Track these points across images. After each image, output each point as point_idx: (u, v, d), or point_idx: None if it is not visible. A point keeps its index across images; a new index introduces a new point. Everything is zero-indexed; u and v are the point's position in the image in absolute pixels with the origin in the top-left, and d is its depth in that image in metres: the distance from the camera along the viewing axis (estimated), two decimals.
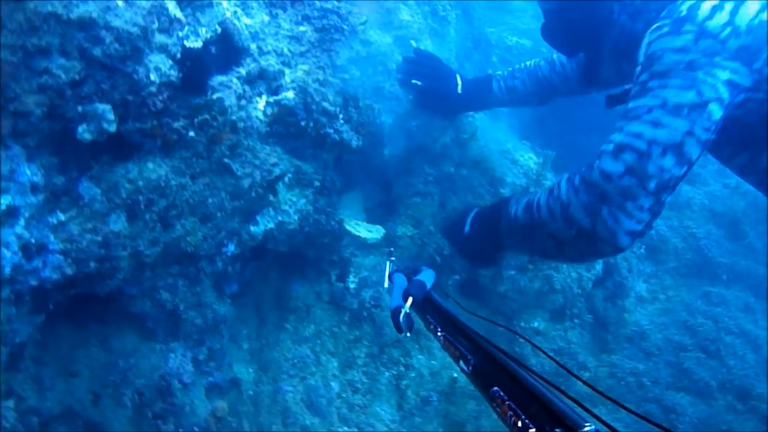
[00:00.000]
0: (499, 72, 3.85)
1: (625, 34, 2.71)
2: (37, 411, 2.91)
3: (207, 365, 3.34)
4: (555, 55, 3.66)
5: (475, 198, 4.04)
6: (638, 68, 2.41)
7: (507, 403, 1.27)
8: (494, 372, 1.42)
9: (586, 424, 1.06)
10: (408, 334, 2.04)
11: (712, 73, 2.20)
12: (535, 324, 4.15)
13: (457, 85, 3.72)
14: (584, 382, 1.28)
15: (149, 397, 3.06)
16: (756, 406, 4.01)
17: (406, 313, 2.01)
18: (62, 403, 3.02)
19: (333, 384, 3.54)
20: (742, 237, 4.91)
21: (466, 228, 3.23)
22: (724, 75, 2.22)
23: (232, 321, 3.59)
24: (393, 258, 2.63)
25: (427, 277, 2.20)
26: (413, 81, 3.66)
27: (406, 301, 2.04)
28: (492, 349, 1.53)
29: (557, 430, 1.09)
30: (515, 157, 4.31)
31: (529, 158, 4.38)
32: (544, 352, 1.51)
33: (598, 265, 4.31)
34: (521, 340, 3.88)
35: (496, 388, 1.34)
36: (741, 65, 2.24)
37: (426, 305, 2.05)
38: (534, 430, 1.15)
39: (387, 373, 3.74)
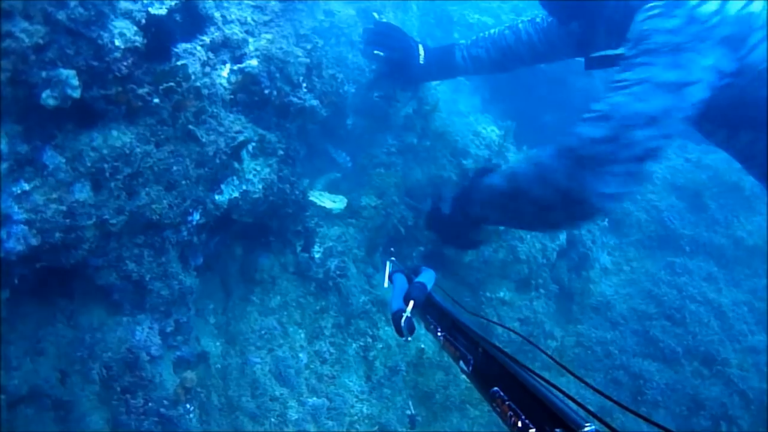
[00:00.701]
0: (463, 41, 4.00)
1: (620, 9, 2.91)
2: (4, 389, 3.00)
3: (174, 339, 3.46)
4: (520, 24, 3.83)
5: (438, 169, 4.21)
6: (628, 44, 2.61)
7: (507, 403, 1.31)
8: (494, 372, 1.45)
9: (586, 425, 1.07)
10: (409, 339, 2.09)
11: (698, 57, 2.42)
12: (501, 294, 4.35)
13: (419, 55, 3.87)
14: (577, 377, 1.35)
15: (117, 371, 3.15)
16: (721, 371, 4.27)
17: (407, 317, 2.03)
18: (29, 382, 3.10)
19: (301, 355, 3.68)
20: (703, 209, 5.18)
21: (446, 209, 3.31)
22: (709, 60, 2.44)
23: (199, 295, 3.70)
24: (393, 258, 2.68)
25: (427, 278, 2.24)
26: (375, 51, 3.81)
27: (407, 304, 2.07)
28: (492, 349, 1.54)
29: (557, 430, 1.11)
30: (477, 129, 4.49)
31: (491, 130, 4.56)
32: (543, 352, 1.58)
33: (562, 236, 4.53)
34: (488, 311, 4.10)
35: (496, 388, 1.38)
36: (727, 52, 2.47)
37: (426, 305, 2.11)
38: (534, 430, 1.18)
39: (354, 345, 3.90)
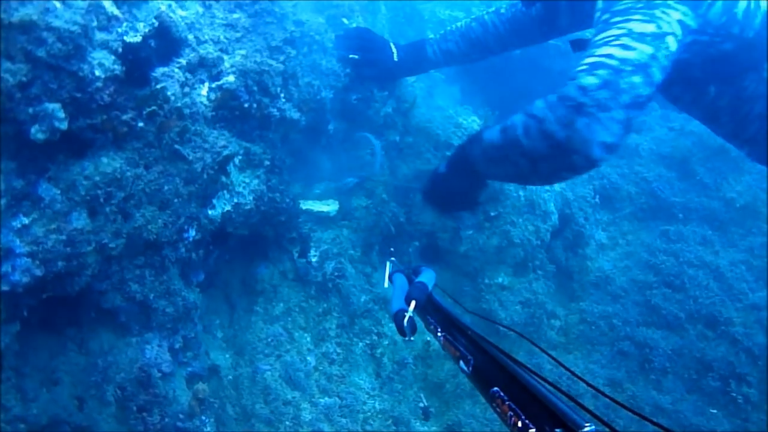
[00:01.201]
0: (432, 36, 4.21)
1: None
2: (24, 419, 3.18)
3: (184, 355, 3.63)
4: (486, 16, 4.04)
5: (423, 164, 4.40)
6: (598, 13, 2.83)
7: (507, 403, 1.33)
8: (494, 372, 1.47)
9: (587, 425, 1.09)
10: (412, 338, 2.12)
11: (667, 12, 2.65)
12: (500, 279, 4.51)
13: (392, 53, 4.10)
14: (570, 371, 1.37)
15: (131, 390, 3.33)
16: (725, 331, 4.41)
17: (410, 317, 2.06)
18: (48, 412, 3.28)
19: (309, 358, 3.86)
20: (692, 175, 5.34)
21: (442, 168, 3.44)
22: (677, 15, 2.68)
23: (204, 312, 3.89)
24: (393, 258, 2.71)
25: (428, 278, 2.27)
26: (350, 56, 4.02)
27: (409, 304, 2.09)
28: (492, 350, 1.57)
29: (557, 430, 1.13)
30: (458, 121, 4.66)
31: (472, 121, 4.74)
32: (537, 346, 1.61)
33: (554, 216, 4.69)
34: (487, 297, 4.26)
35: (496, 388, 1.40)
36: (689, 9, 2.72)
37: (426, 305, 2.12)
38: (534, 430, 1.20)
39: (361, 344, 4.07)
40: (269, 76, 3.62)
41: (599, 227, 5.26)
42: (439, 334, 1.92)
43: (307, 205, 4.10)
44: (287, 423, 3.61)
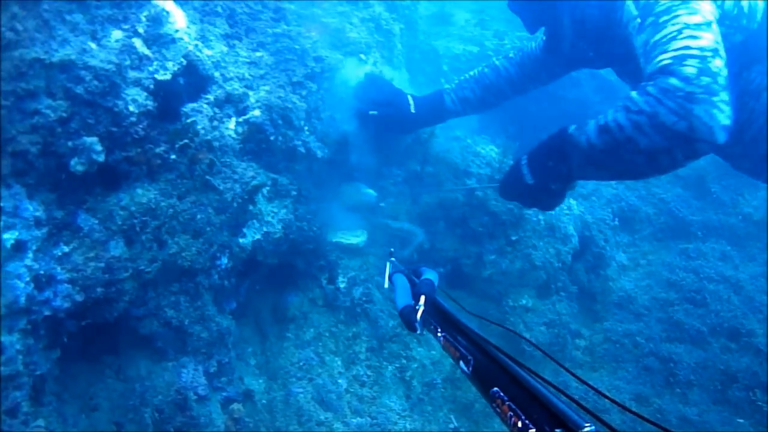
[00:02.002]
0: (447, 85, 4.29)
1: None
2: None
3: (219, 380, 3.67)
4: (497, 62, 4.15)
5: (445, 192, 4.46)
6: (637, 20, 2.86)
7: (507, 403, 1.32)
8: (494, 372, 1.47)
9: (586, 425, 1.09)
10: (423, 333, 2.08)
11: (699, 5, 2.70)
12: (523, 302, 4.53)
13: (409, 105, 4.15)
14: (577, 377, 1.35)
15: (168, 413, 3.37)
16: (748, 342, 4.38)
17: (423, 312, 2.05)
18: None
19: (340, 381, 3.88)
20: (708, 193, 5.36)
21: (528, 179, 3.21)
22: (707, 6, 2.74)
23: (237, 341, 3.94)
24: (393, 258, 2.68)
25: (433, 276, 2.28)
26: (370, 113, 4.08)
27: (418, 300, 2.09)
28: (492, 350, 1.56)
29: (557, 430, 1.13)
30: (477, 150, 4.74)
31: (490, 149, 4.81)
32: (540, 350, 1.60)
33: (574, 239, 4.72)
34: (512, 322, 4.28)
35: (496, 388, 1.39)
36: (711, 2, 2.80)
37: (427, 305, 2.10)
38: (534, 430, 1.19)
39: (390, 367, 4.09)
40: (293, 110, 3.73)
41: (620, 249, 5.27)
42: (439, 334, 1.91)
43: (336, 237, 4.17)
44: None
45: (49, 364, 3.07)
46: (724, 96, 2.48)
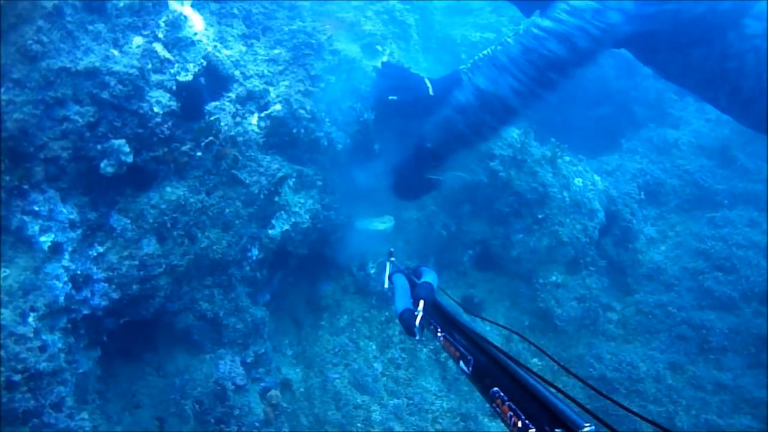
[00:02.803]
0: (463, 66, 4.27)
1: None
2: None
3: (257, 371, 3.72)
4: (509, 39, 4.11)
5: (468, 173, 4.45)
6: None
7: (507, 403, 1.30)
8: (494, 372, 1.45)
9: (586, 425, 1.07)
10: (423, 338, 2.08)
11: None
12: (553, 278, 4.50)
13: (427, 88, 4.08)
14: (576, 375, 1.32)
15: (208, 404, 3.43)
16: None
17: (422, 317, 2.01)
18: None
19: (375, 365, 3.90)
20: (733, 162, 5.25)
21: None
22: None
23: (273, 333, 3.99)
24: (393, 258, 2.66)
25: (432, 278, 2.24)
26: (389, 98, 4.03)
27: (417, 304, 2.04)
28: (492, 350, 1.54)
29: (557, 430, 1.12)
30: (498, 133, 4.71)
31: (511, 131, 4.77)
32: (543, 351, 1.57)
33: (600, 214, 4.67)
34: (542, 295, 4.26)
35: (496, 388, 1.38)
36: None
37: (426, 308, 2.07)
38: (534, 430, 1.18)
39: (425, 350, 4.10)
40: (313, 103, 3.76)
41: (648, 222, 5.20)
42: (439, 334, 1.89)
43: (363, 224, 4.19)
44: (359, 425, 3.64)
45: (90, 362, 3.14)
46: None
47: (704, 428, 3.86)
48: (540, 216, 4.49)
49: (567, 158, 4.81)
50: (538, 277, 4.53)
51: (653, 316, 4.50)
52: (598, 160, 5.65)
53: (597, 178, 4.95)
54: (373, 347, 3.98)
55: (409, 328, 2.01)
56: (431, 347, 4.12)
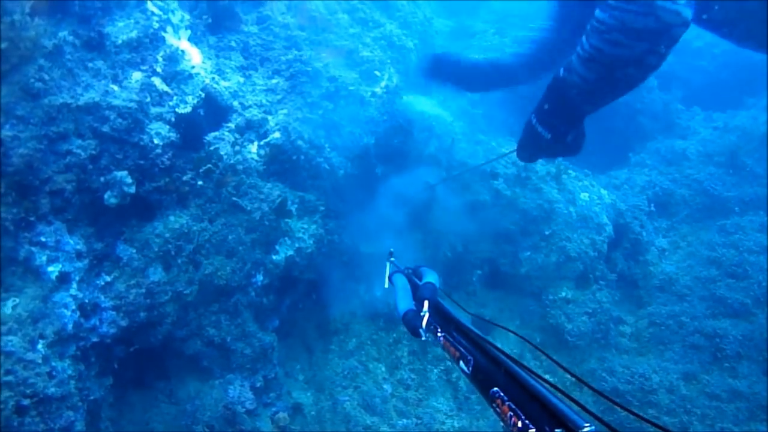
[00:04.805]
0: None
1: None
2: None
3: (267, 396, 3.83)
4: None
5: (472, 195, 4.57)
6: None
7: (507, 403, 1.33)
8: (494, 373, 1.47)
9: (586, 425, 1.09)
10: (430, 338, 2.01)
11: None
12: (563, 294, 4.57)
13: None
14: (578, 377, 1.28)
15: (219, 428, 3.53)
16: None
17: (428, 317, 2.03)
18: None
19: (385, 386, 3.99)
20: (742, 168, 5.32)
21: (546, 134, 3.14)
22: None
23: (285, 359, 4.11)
24: (393, 259, 2.66)
25: (434, 278, 2.24)
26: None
27: (422, 305, 2.06)
28: (492, 350, 1.55)
29: (557, 430, 1.13)
30: (502, 152, 4.83)
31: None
32: (546, 355, 1.50)
33: (609, 227, 4.76)
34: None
35: (496, 388, 1.41)
36: None
37: (429, 308, 2.08)
38: (534, 430, 1.20)
39: (436, 370, 4.19)
40: (312, 129, 3.93)
41: (659, 234, 5.28)
42: (439, 334, 1.90)
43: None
44: None
45: (102, 390, 3.27)
46: None
47: None
48: (547, 232, 4.60)
49: (572, 173, 4.92)
50: (548, 293, 4.61)
51: (666, 327, 4.55)
52: (607, 175, 5.76)
53: (604, 192, 5.04)
54: (383, 369, 4.08)
55: (413, 329, 2.02)
56: (442, 367, 4.20)
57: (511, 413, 1.29)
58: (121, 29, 3.36)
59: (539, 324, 4.57)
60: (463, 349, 1.69)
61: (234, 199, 3.55)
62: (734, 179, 5.31)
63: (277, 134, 3.78)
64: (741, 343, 4.25)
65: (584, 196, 4.82)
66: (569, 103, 2.98)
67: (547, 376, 4.25)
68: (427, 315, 2.02)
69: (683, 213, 5.36)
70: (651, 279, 4.90)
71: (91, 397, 3.16)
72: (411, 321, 2.03)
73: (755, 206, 5.11)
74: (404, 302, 2.18)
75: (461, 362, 1.67)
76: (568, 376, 1.33)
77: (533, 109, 3.17)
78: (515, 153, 4.38)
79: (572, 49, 3.71)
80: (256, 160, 3.70)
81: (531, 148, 3.34)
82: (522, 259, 4.61)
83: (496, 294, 4.74)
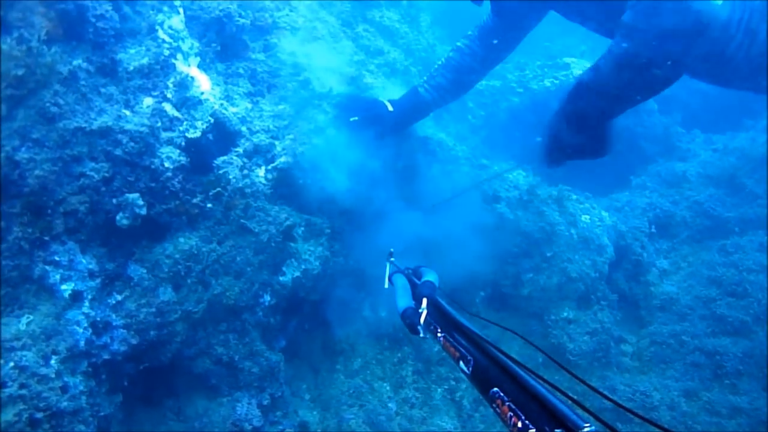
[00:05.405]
0: (419, 80, 4.49)
1: None
2: None
3: (274, 415, 3.90)
4: (459, 43, 4.29)
5: (474, 217, 4.66)
6: None
7: (507, 403, 1.35)
8: (494, 373, 1.49)
9: (586, 425, 1.10)
10: (427, 336, 2.08)
11: None
12: (565, 314, 4.65)
13: (386, 106, 4.34)
14: (578, 377, 1.36)
15: None
16: None
17: (426, 315, 2.06)
18: None
19: (390, 404, 4.06)
20: (741, 189, 5.40)
21: (574, 140, 3.25)
22: None
23: (291, 379, 4.18)
24: (392, 259, 2.68)
25: (433, 277, 2.31)
26: (351, 119, 4.27)
27: (419, 302, 2.10)
28: (492, 350, 1.57)
29: (557, 430, 1.15)
30: (504, 176, 4.96)
31: (517, 174, 5.02)
32: (546, 354, 1.57)
33: (609, 249, 4.84)
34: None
35: (496, 389, 1.42)
36: None
37: (428, 306, 2.12)
38: (534, 430, 1.22)
39: (440, 390, 4.26)
40: (318, 153, 4.04)
41: (660, 255, 5.36)
42: (439, 334, 1.92)
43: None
44: None
45: (112, 407, 3.35)
46: None
47: None
48: (548, 254, 4.68)
49: (574, 197, 5.02)
50: (550, 314, 4.69)
51: (667, 346, 4.62)
52: (608, 198, 5.85)
53: (605, 214, 5.14)
54: (387, 387, 4.15)
55: (412, 326, 2.09)
56: (446, 387, 4.27)
57: (511, 413, 1.32)
58: (133, 56, 3.49)
59: (541, 344, 4.63)
60: (463, 350, 1.71)
61: (242, 221, 3.65)
62: (734, 200, 5.40)
63: (284, 158, 3.89)
64: (741, 360, 4.31)
65: (585, 218, 4.91)
66: (594, 107, 3.06)
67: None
68: (425, 312, 2.07)
69: (684, 234, 5.44)
70: (652, 299, 4.97)
71: (102, 414, 3.23)
72: (409, 318, 2.10)
73: (755, 226, 5.18)
74: (403, 300, 2.22)
75: (461, 362, 1.69)
76: (575, 387, 1.33)
77: (560, 116, 3.25)
78: (521, 169, 4.52)
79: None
80: (264, 184, 3.81)
81: (558, 154, 3.39)
82: (524, 281, 4.69)
83: (500, 315, 4.81)
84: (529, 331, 4.71)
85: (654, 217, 5.49)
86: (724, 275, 4.81)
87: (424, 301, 2.11)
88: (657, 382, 4.36)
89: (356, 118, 4.27)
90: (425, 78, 4.42)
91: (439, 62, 4.40)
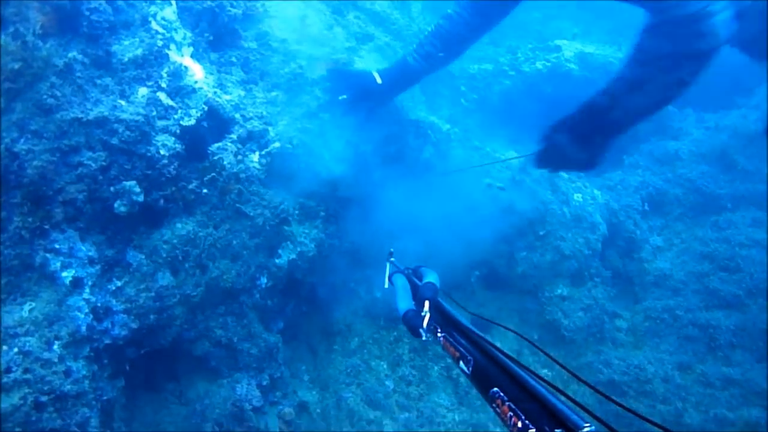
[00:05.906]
0: (409, 49, 4.48)
1: None
2: None
3: (274, 395, 4.01)
4: (449, 10, 4.24)
5: (468, 198, 4.74)
6: None
7: (507, 403, 1.35)
8: (494, 373, 1.49)
9: (586, 425, 1.10)
10: (430, 338, 2.04)
11: None
12: (559, 291, 4.74)
13: (374, 78, 4.33)
14: (576, 375, 1.35)
15: (227, 425, 3.71)
16: None
17: (429, 317, 2.04)
18: None
19: (387, 382, 4.16)
20: (733, 165, 5.46)
21: (572, 148, 3.30)
22: None
23: (290, 361, 4.28)
24: (392, 259, 2.67)
25: (434, 278, 2.27)
26: (340, 98, 4.30)
27: (421, 304, 2.08)
28: (492, 350, 1.57)
29: (557, 430, 1.15)
30: (497, 157, 5.03)
31: (509, 154, 5.10)
32: (544, 352, 1.52)
33: (602, 226, 4.92)
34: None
35: (496, 389, 1.42)
36: None
37: (430, 309, 2.10)
38: (534, 430, 1.22)
39: (436, 367, 4.35)
40: (311, 138, 4.12)
41: (654, 232, 5.43)
42: (439, 334, 1.93)
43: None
44: None
45: (115, 392, 3.46)
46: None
47: (714, 423, 4.04)
48: (541, 233, 4.76)
49: (565, 176, 5.09)
50: (544, 291, 4.78)
51: (661, 321, 4.71)
52: (601, 177, 5.91)
53: (597, 192, 5.21)
54: (384, 366, 4.25)
55: (414, 329, 2.06)
56: (443, 364, 4.37)
57: (511, 413, 1.32)
58: (127, 47, 3.57)
59: (537, 321, 4.73)
60: (463, 350, 1.72)
61: (237, 205, 3.74)
62: (726, 177, 5.46)
63: (277, 144, 3.97)
64: (734, 332, 4.40)
65: (578, 197, 4.98)
66: (601, 129, 3.18)
67: (544, 370, 4.41)
68: (428, 315, 2.05)
69: (677, 211, 5.51)
70: (646, 275, 5.06)
71: (105, 397, 3.34)
72: (411, 321, 2.07)
73: (747, 202, 5.25)
74: (404, 302, 2.20)
75: (461, 362, 1.69)
76: (565, 370, 1.40)
77: (567, 122, 3.33)
78: (514, 158, 4.55)
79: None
80: (258, 169, 3.89)
81: (555, 161, 3.50)
82: (518, 259, 4.77)
83: (495, 294, 4.91)
84: (524, 309, 4.80)
85: (647, 195, 5.56)
86: (716, 250, 4.89)
87: (426, 303, 2.09)
88: (651, 356, 4.45)
89: (345, 96, 4.30)
90: (414, 47, 4.40)
91: (429, 29, 4.37)
